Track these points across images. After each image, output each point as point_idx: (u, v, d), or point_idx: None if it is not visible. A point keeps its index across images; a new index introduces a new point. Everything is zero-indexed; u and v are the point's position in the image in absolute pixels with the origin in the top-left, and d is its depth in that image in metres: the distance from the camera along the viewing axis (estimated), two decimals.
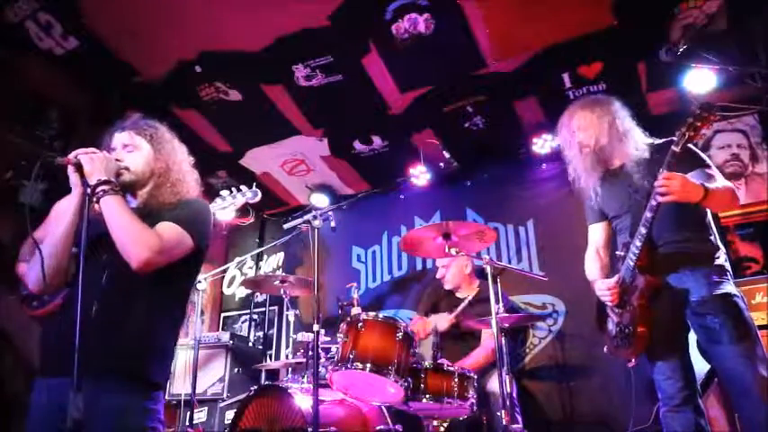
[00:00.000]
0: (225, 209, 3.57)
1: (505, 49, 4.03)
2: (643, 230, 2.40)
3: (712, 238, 2.55)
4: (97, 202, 1.82)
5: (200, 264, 2.11)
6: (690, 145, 2.55)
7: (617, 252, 2.68)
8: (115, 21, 3.87)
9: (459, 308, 3.74)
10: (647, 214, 2.37)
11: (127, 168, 1.99)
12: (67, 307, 1.87)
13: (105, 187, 1.82)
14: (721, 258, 2.50)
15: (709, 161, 2.58)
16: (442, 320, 3.75)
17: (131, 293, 1.86)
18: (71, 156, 1.85)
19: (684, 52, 3.74)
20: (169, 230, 1.89)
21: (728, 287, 2.41)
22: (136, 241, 1.79)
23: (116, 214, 1.81)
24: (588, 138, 2.72)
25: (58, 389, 1.62)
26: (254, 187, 3.65)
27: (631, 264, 2.48)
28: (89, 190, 1.82)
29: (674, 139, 2.36)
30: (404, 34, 3.92)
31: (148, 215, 1.93)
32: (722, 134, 4.36)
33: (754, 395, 2.24)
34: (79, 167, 1.84)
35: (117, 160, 1.98)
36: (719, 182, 2.47)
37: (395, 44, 3.99)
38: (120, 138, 2.06)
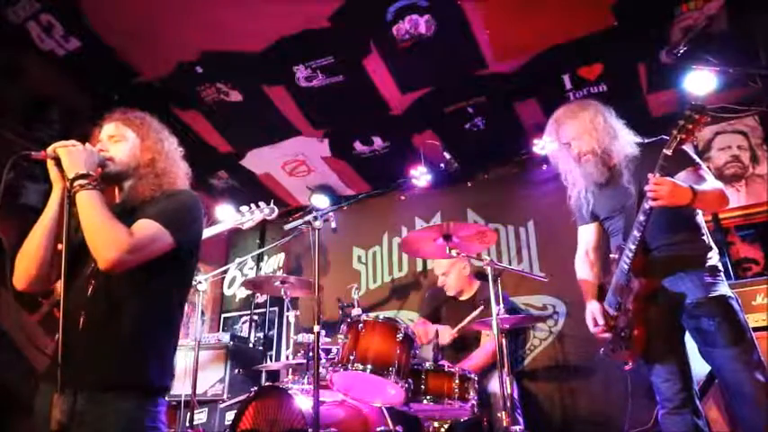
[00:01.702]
0: (243, 224, 3.65)
1: (506, 50, 4.03)
2: (637, 233, 2.40)
3: (704, 238, 2.55)
4: (73, 197, 1.74)
5: (192, 259, 2.01)
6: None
7: (610, 255, 2.68)
8: (116, 22, 3.88)
9: (463, 324, 3.73)
10: (641, 217, 2.37)
11: (111, 159, 1.93)
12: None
13: (82, 182, 1.74)
14: (714, 259, 2.50)
15: (699, 161, 2.58)
16: (444, 334, 3.75)
17: (119, 300, 1.78)
18: (49, 149, 1.79)
19: (685, 53, 3.72)
20: (143, 228, 1.78)
21: (723, 288, 2.42)
22: (104, 240, 1.70)
23: (88, 211, 1.73)
24: (587, 144, 2.70)
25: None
26: (271, 204, 3.73)
27: (626, 267, 2.48)
28: (68, 184, 1.75)
29: (664, 137, 2.36)
30: (404, 35, 3.93)
31: (131, 210, 1.88)
32: (722, 135, 4.36)
33: (750, 398, 2.24)
34: (58, 161, 1.78)
35: (101, 151, 1.92)
36: (709, 182, 2.46)
37: (395, 45, 4.00)
38: (107, 129, 2.02)
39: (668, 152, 2.26)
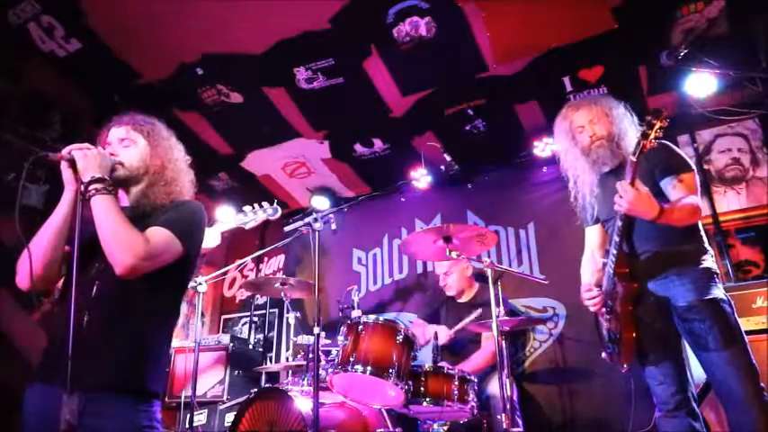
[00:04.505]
0: (246, 224, 3.65)
1: (506, 52, 4.04)
2: (616, 238, 2.42)
3: (699, 240, 2.53)
4: (88, 200, 1.75)
5: (193, 268, 2.04)
6: (674, 148, 2.60)
7: (601, 259, 2.69)
8: (117, 23, 3.89)
9: (460, 325, 3.72)
10: (618, 222, 2.40)
11: (121, 163, 1.94)
12: (59, 314, 1.82)
13: (98, 186, 1.76)
14: (708, 261, 2.48)
15: (688, 166, 2.54)
16: (442, 333, 3.74)
17: (124, 304, 1.80)
18: (64, 151, 1.79)
19: (685, 56, 3.74)
20: (158, 235, 1.81)
21: (716, 291, 2.40)
22: (122, 245, 1.72)
23: (105, 215, 1.74)
24: (602, 129, 2.69)
25: (52, 397, 1.57)
26: (275, 204, 3.73)
27: (611, 271, 2.50)
28: (82, 187, 1.76)
29: (665, 142, 2.36)
30: (405, 37, 3.93)
31: (141, 216, 1.89)
32: (723, 138, 4.37)
33: (740, 402, 2.24)
34: (72, 163, 1.78)
35: (111, 155, 1.92)
36: (688, 198, 2.43)
37: (396, 47, 4.00)
38: (116, 132, 2.02)
39: (633, 158, 2.29)
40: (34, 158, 1.75)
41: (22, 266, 1.80)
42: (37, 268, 1.78)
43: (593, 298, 2.62)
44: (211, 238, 3.06)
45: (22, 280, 1.81)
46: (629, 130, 2.69)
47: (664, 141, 2.50)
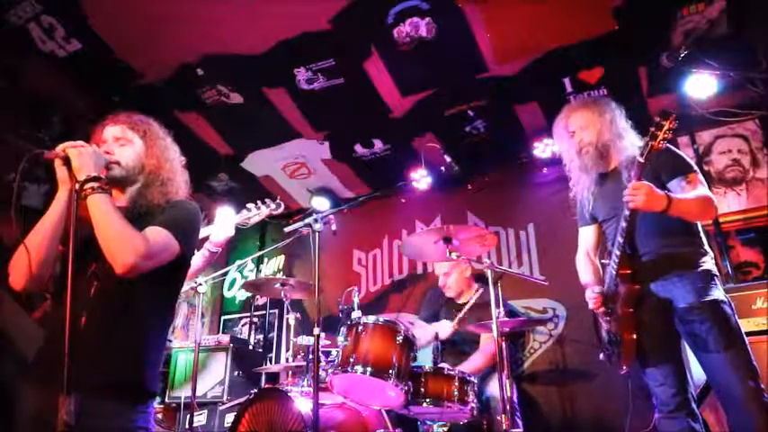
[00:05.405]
0: (250, 219, 3.65)
1: (506, 53, 4.04)
2: (620, 239, 2.42)
3: (699, 242, 2.54)
4: (84, 199, 1.72)
5: (188, 268, 2.04)
6: (676, 150, 2.61)
7: (602, 261, 2.69)
8: (117, 23, 3.89)
9: (461, 313, 3.71)
10: (622, 223, 2.40)
11: (117, 162, 1.92)
12: (54, 314, 1.81)
13: (94, 184, 1.73)
14: (708, 263, 2.48)
15: (693, 168, 2.56)
16: (445, 328, 3.74)
17: (121, 304, 1.79)
18: (58, 149, 1.77)
19: (685, 57, 3.74)
20: (157, 235, 1.81)
21: (716, 293, 2.40)
22: (122, 245, 1.71)
23: (103, 214, 1.72)
24: (590, 135, 2.71)
25: (49, 397, 1.55)
26: (278, 199, 3.74)
27: (613, 273, 2.50)
28: (77, 186, 1.73)
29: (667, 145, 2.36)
30: (405, 38, 3.93)
31: (137, 216, 1.88)
32: (723, 139, 4.37)
33: (740, 403, 2.24)
34: (67, 162, 1.76)
35: (107, 153, 1.91)
36: (697, 191, 2.45)
37: (396, 48, 4.00)
38: (112, 131, 2.00)
39: (641, 159, 2.28)
40: (29, 156, 1.72)
41: (15, 267, 1.78)
42: (32, 268, 1.76)
43: (595, 299, 2.63)
44: (229, 227, 3.08)
45: (16, 280, 1.80)
46: (626, 132, 2.70)
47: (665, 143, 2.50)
